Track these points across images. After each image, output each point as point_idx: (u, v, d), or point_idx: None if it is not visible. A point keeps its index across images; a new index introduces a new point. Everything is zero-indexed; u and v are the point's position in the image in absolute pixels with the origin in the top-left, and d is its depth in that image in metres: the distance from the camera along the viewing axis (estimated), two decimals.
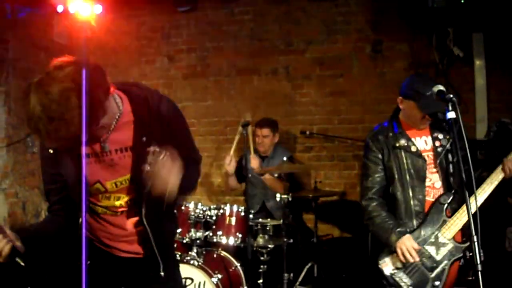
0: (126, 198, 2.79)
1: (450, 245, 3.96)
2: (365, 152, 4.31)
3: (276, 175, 6.64)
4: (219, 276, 5.34)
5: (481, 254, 2.95)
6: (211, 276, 5.25)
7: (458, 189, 4.01)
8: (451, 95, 3.28)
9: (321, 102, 7.44)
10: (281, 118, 7.38)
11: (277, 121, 6.98)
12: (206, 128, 8.03)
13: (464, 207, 3.89)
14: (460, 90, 6.71)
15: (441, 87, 3.49)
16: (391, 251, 4.04)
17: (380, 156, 4.17)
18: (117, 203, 2.79)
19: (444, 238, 3.96)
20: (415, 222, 4.06)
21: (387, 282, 4.07)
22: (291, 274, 5.90)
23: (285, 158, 6.56)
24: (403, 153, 4.09)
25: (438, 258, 3.96)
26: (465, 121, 3.40)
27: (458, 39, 6.72)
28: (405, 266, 4.00)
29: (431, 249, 3.98)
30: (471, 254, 3.00)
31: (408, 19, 6.88)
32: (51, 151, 2.67)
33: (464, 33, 6.74)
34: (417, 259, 3.93)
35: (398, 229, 4.00)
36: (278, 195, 6.04)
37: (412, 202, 4.07)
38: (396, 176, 4.11)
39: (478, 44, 6.78)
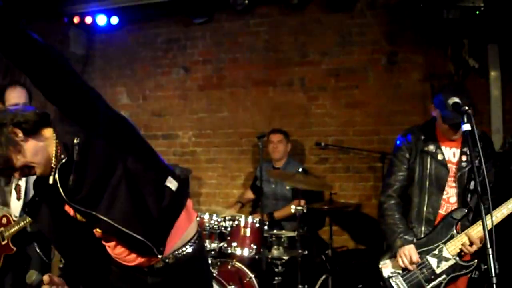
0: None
1: (452, 261, 3.97)
2: (394, 149, 4.33)
3: (288, 187, 6.66)
4: (234, 287, 5.34)
5: (496, 266, 2.93)
6: (225, 287, 5.25)
7: (473, 208, 4.03)
8: (466, 108, 3.29)
9: (336, 114, 7.44)
10: (296, 130, 7.41)
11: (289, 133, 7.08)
12: (222, 139, 8.09)
13: (474, 227, 3.90)
14: (475, 101, 6.67)
15: (456, 99, 3.52)
16: (394, 254, 4.08)
17: (407, 155, 4.19)
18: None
19: (448, 253, 3.98)
20: (423, 229, 4.10)
21: (383, 284, 4.11)
22: (306, 286, 5.87)
23: (300, 169, 6.57)
24: (429, 159, 4.09)
25: (437, 271, 3.98)
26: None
27: (473, 51, 6.71)
28: (404, 272, 4.03)
29: (432, 261, 4.00)
30: (486, 266, 2.98)
31: (423, 31, 6.92)
32: None
33: (479, 45, 6.72)
34: (414, 268, 3.97)
35: (406, 236, 4.03)
36: (293, 206, 6.04)
37: (425, 208, 4.10)
38: (416, 179, 4.13)
39: (493, 55, 6.75)
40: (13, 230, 4.68)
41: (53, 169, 2.66)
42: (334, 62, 7.45)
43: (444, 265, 3.95)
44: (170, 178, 2.83)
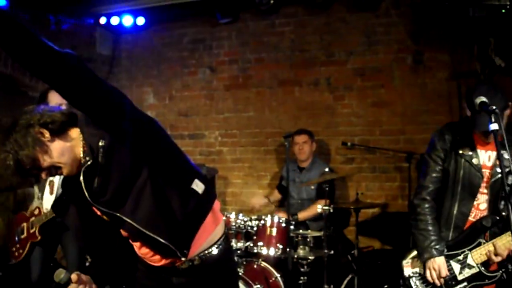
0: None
1: (475, 269, 3.89)
2: (428, 147, 4.16)
3: (312, 187, 6.67)
4: (259, 286, 5.38)
5: None
6: (251, 287, 5.30)
7: (505, 216, 3.84)
8: (494, 107, 3.24)
9: (363, 113, 7.44)
10: (322, 129, 7.42)
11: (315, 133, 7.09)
12: (248, 139, 8.15)
13: (503, 237, 3.78)
14: None
15: (483, 99, 3.44)
16: (419, 255, 4.01)
17: (442, 155, 4.03)
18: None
19: (473, 261, 3.89)
20: (451, 234, 4.00)
21: (403, 283, 4.06)
22: (331, 286, 5.90)
23: (327, 169, 6.58)
24: (463, 162, 3.94)
25: (459, 277, 3.90)
26: None
27: (499, 49, 6.65)
28: (425, 274, 3.96)
29: (455, 267, 3.92)
30: None
31: (449, 29, 6.90)
32: None
33: (505, 43, 6.66)
34: (442, 283, 3.89)
35: (437, 246, 3.91)
36: (319, 206, 6.05)
37: (455, 213, 3.98)
38: (449, 183, 4.00)
39: None
40: (42, 219, 4.95)
41: (80, 170, 2.66)
42: (360, 62, 7.45)
43: (467, 273, 3.87)
44: (196, 181, 2.83)
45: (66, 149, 2.65)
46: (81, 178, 2.62)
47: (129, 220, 2.64)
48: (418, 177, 4.33)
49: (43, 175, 2.67)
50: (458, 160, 3.96)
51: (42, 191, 5.09)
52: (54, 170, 2.68)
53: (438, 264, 3.87)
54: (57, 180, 4.93)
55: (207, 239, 2.89)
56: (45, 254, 5.16)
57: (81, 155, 2.67)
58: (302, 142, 6.86)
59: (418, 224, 4.03)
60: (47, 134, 2.60)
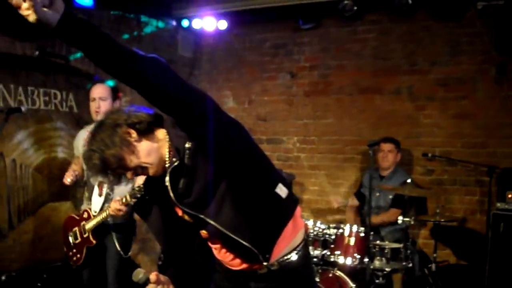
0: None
1: None
2: None
3: (391, 196, 6.75)
4: None
5: None
6: None
7: None
8: None
9: (444, 124, 7.43)
10: (402, 139, 7.46)
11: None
12: (326, 146, 8.27)
13: None
14: None
15: None
16: None
17: None
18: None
19: None
20: None
21: None
22: None
23: (409, 180, 6.62)
24: None
25: None
26: None
27: None
28: None
29: None
30: None
31: None
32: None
33: None
34: None
35: None
36: (400, 217, 6.15)
37: None
38: None
39: None
40: (93, 223, 5.00)
41: (166, 171, 2.74)
42: (443, 72, 7.43)
43: None
44: (280, 185, 2.86)
45: (153, 149, 2.72)
46: (167, 178, 2.71)
47: (212, 222, 2.70)
48: None
49: (129, 175, 2.74)
50: None
51: (90, 192, 5.17)
52: (140, 170, 2.75)
53: None
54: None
55: (288, 245, 2.91)
56: (95, 257, 5.21)
57: (167, 156, 2.74)
58: (387, 151, 6.95)
59: None
60: (134, 134, 2.67)
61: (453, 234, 7.30)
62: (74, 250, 5.23)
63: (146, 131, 2.72)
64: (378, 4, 7.60)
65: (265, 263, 2.81)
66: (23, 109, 4.98)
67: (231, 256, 2.91)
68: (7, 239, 5.73)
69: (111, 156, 2.62)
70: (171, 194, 2.72)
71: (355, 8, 7.39)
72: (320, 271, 5.72)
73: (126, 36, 7.58)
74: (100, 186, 5.03)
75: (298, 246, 2.96)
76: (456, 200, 7.36)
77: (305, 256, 3.03)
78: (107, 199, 4.96)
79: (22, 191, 5.26)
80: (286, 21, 8.35)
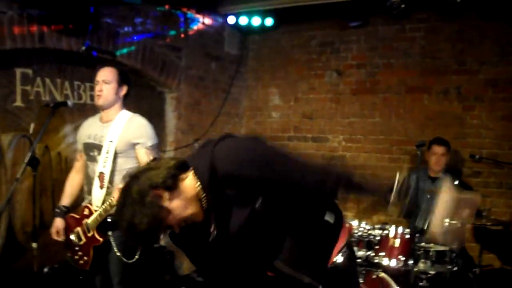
0: None
1: None
2: None
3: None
4: None
5: None
6: None
7: None
8: None
9: (492, 126, 7.36)
10: (450, 140, 7.36)
11: None
12: (372, 145, 8.26)
13: None
14: None
15: None
16: None
17: None
18: None
19: None
20: None
21: None
22: None
23: (456, 182, 6.54)
24: None
25: None
26: None
27: None
28: None
29: None
30: None
31: None
32: None
33: None
34: None
35: None
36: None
37: None
38: None
39: None
40: (96, 218, 4.68)
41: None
42: (492, 72, 7.36)
43: None
44: (328, 213, 2.87)
45: (188, 200, 2.58)
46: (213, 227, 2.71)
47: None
48: None
49: (176, 229, 2.62)
50: None
51: (89, 185, 4.88)
52: (184, 222, 2.62)
53: None
54: (107, 171, 4.72)
55: (334, 253, 2.97)
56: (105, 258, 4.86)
57: (203, 197, 2.62)
58: (440, 154, 6.85)
59: None
60: (164, 194, 2.52)
61: (498, 238, 7.19)
62: (80, 253, 4.87)
63: (174, 186, 2.55)
64: (426, 2, 7.53)
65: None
66: (69, 103, 4.96)
67: None
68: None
69: (151, 225, 2.47)
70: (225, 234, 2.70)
71: (403, 6, 7.33)
72: (364, 272, 5.67)
73: (173, 32, 7.66)
74: (101, 177, 4.75)
75: (343, 247, 3.00)
76: (502, 203, 7.30)
77: (349, 256, 3.07)
78: (109, 191, 4.72)
79: None
80: (333, 19, 8.34)
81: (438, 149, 6.86)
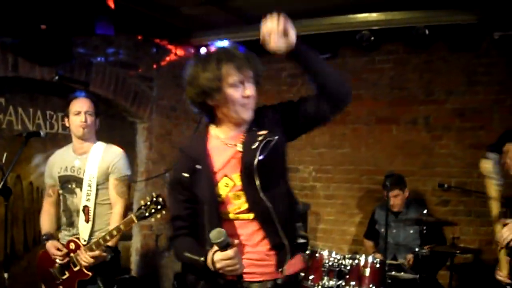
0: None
1: None
2: None
3: (412, 231, 6.78)
4: None
5: None
6: None
7: None
8: None
9: (460, 155, 7.47)
10: (418, 169, 7.50)
11: (404, 176, 7.02)
12: (342, 175, 8.32)
13: None
14: None
15: None
16: None
17: None
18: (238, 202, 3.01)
19: None
20: None
21: None
22: None
23: (425, 211, 6.59)
24: None
25: None
26: None
27: None
28: None
29: None
30: None
31: None
32: (186, 175, 2.98)
33: None
34: None
35: None
36: (417, 249, 6.12)
37: None
38: None
39: None
40: (88, 255, 4.53)
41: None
42: (460, 102, 7.50)
43: None
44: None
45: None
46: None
47: (270, 205, 2.91)
48: None
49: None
50: None
51: (69, 218, 4.84)
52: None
53: None
54: (92, 205, 4.71)
55: (297, 271, 3.08)
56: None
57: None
58: (393, 197, 6.82)
59: None
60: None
61: (468, 265, 7.27)
62: (61, 287, 4.76)
63: None
64: (395, 34, 7.63)
65: (279, 272, 2.94)
66: (42, 133, 4.96)
67: (260, 237, 2.97)
68: (22, 261, 5.76)
69: None
70: (257, 157, 2.94)
71: (372, 38, 7.43)
72: None
73: (145, 62, 7.70)
74: (86, 210, 4.71)
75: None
76: (471, 231, 7.38)
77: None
78: (95, 225, 4.73)
79: (38, 214, 5.25)
80: None
81: (391, 193, 6.73)
